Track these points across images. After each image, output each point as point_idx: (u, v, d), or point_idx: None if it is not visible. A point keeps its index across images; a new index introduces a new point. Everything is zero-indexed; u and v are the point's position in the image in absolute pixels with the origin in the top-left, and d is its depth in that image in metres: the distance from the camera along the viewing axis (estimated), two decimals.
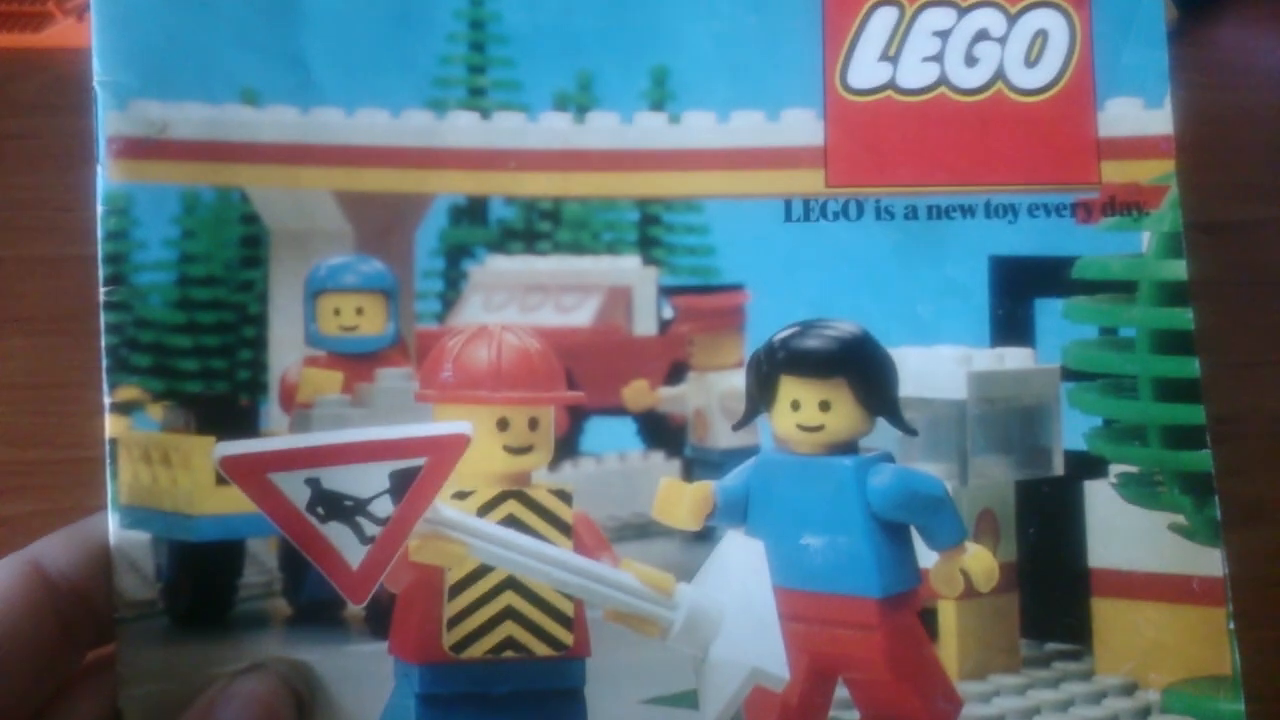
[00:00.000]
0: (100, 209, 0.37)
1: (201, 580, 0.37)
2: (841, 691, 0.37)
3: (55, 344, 0.60)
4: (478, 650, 0.36)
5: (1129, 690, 0.38)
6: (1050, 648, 0.39)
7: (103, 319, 0.37)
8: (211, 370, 0.38)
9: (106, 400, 0.37)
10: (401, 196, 0.39)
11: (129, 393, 0.37)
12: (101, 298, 0.37)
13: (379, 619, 0.37)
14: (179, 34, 0.37)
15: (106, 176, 0.37)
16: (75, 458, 0.55)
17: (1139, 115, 0.41)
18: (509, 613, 0.36)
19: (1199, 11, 0.83)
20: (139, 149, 0.37)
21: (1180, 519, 0.38)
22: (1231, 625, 0.37)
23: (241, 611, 0.37)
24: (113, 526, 0.36)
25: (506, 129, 0.39)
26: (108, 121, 0.37)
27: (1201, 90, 0.77)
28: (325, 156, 0.38)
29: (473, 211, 0.39)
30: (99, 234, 0.37)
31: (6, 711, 0.32)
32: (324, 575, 0.34)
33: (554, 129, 0.39)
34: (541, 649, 0.36)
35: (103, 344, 0.37)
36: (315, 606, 0.37)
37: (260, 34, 0.37)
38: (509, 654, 0.36)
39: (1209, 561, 0.37)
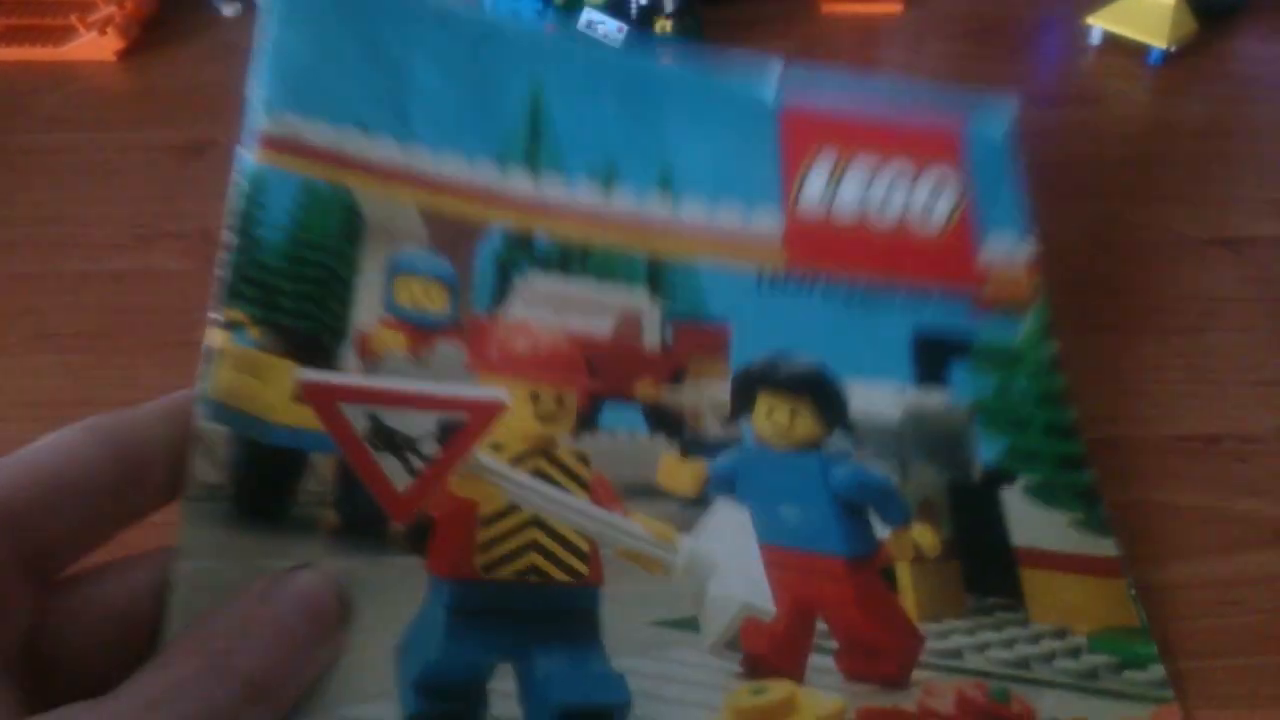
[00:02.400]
0: (240, 180, 0.45)
1: (268, 477, 0.40)
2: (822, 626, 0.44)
3: (80, 361, 0.58)
4: (505, 572, 0.41)
5: (1061, 634, 0.44)
6: (991, 601, 0.45)
7: (224, 256, 0.44)
8: (304, 312, 0.44)
9: (215, 316, 0.42)
10: (468, 220, 0.49)
11: (234, 314, 0.42)
12: (225, 236, 0.44)
13: (417, 538, 0.41)
14: (317, 71, 0.48)
15: (250, 159, 0.46)
16: None
17: (1010, 246, 0.54)
18: (534, 545, 0.42)
19: (1217, 24, 0.85)
20: (276, 144, 0.46)
21: (1078, 515, 0.48)
22: (1133, 592, 0.46)
23: (296, 514, 0.40)
24: (200, 418, 0.39)
25: (551, 186, 0.50)
26: (254, 120, 0.46)
27: (1220, 103, 0.79)
28: (415, 181, 0.48)
29: (521, 240, 0.50)
30: (233, 197, 0.45)
31: (58, 539, 0.34)
32: (373, 495, 0.39)
33: (587, 194, 0.51)
34: (561, 576, 0.42)
35: (220, 275, 0.43)
36: (361, 520, 0.40)
37: (376, 86, 0.49)
38: (532, 578, 0.41)
39: (1104, 547, 0.47)
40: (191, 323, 0.57)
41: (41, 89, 0.80)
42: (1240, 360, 0.59)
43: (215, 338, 0.42)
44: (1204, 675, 0.45)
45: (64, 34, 0.83)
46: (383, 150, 0.47)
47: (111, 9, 0.83)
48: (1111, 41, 0.83)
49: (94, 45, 0.82)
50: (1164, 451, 0.54)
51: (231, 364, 0.41)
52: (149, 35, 0.85)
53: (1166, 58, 0.82)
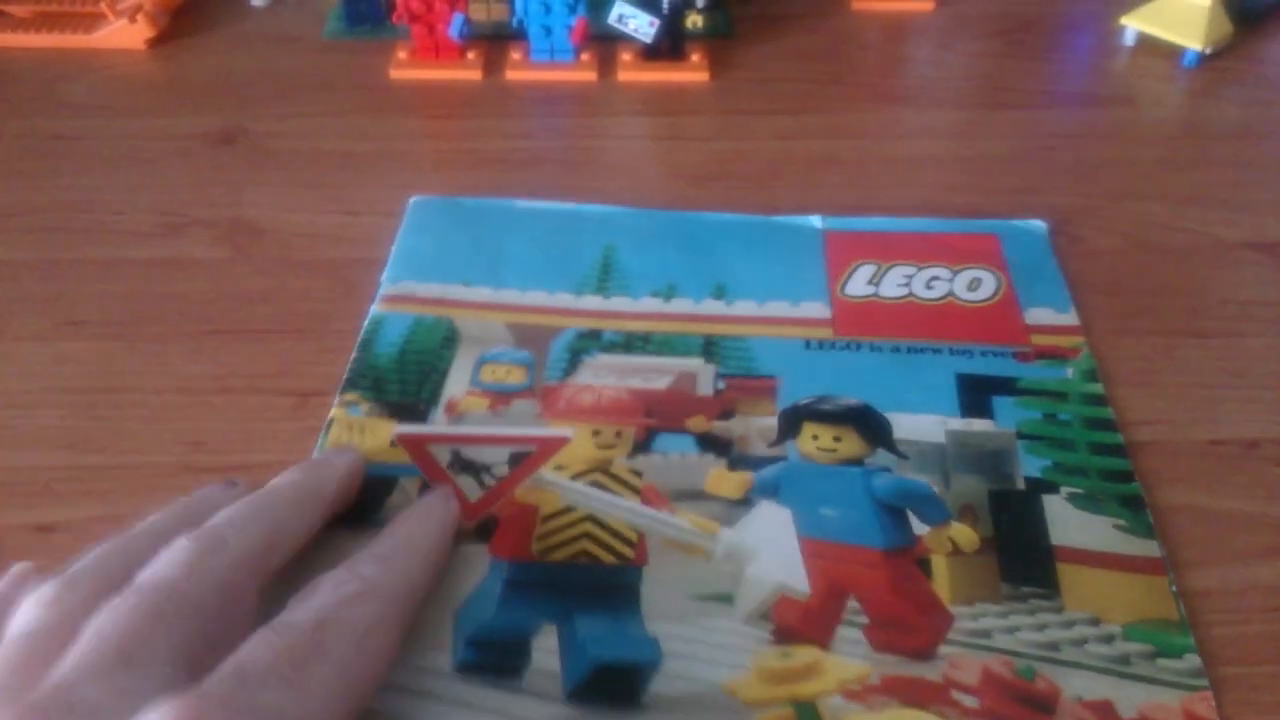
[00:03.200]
0: (364, 323, 0.58)
1: (362, 495, 0.49)
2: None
3: (109, 349, 0.58)
4: (558, 556, 0.46)
5: (1095, 622, 0.44)
6: (1026, 590, 0.46)
7: (348, 369, 0.56)
8: (405, 392, 0.55)
9: (335, 401, 0.55)
10: (546, 326, 0.58)
11: (349, 397, 0.55)
12: (352, 357, 0.57)
13: (484, 533, 0.47)
14: (432, 256, 0.63)
15: (374, 310, 0.59)
16: (130, 464, 0.52)
17: (1052, 316, 0.58)
18: (586, 535, 0.47)
19: (1254, 27, 0.85)
20: (392, 299, 0.60)
21: (1122, 522, 0.48)
22: (1174, 589, 0.46)
23: (382, 518, 0.48)
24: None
25: (619, 302, 0.59)
26: (385, 286, 0.61)
27: (1255, 106, 0.78)
28: (503, 308, 0.60)
29: (591, 334, 0.57)
30: (360, 337, 0.58)
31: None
32: None
33: (649, 303, 0.59)
34: (608, 559, 0.46)
35: (344, 376, 0.56)
36: None
37: (479, 261, 0.62)
38: (582, 560, 0.46)
39: (1148, 548, 0.47)
40: (219, 311, 0.60)
41: (71, 76, 0.80)
42: (1278, 365, 0.58)
43: (333, 412, 0.54)
44: (1245, 681, 0.44)
45: (94, 21, 0.83)
46: (479, 294, 0.61)
47: None
48: (1145, 42, 0.82)
49: (124, 33, 0.82)
50: (1202, 455, 0.53)
51: (342, 426, 0.53)
52: (179, 24, 0.85)
53: (1201, 60, 0.81)
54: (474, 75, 0.79)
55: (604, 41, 0.81)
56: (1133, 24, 0.83)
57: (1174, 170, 0.71)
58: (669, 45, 0.80)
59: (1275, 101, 0.78)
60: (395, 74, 0.79)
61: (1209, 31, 0.80)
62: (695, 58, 0.80)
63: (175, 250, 0.64)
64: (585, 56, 0.80)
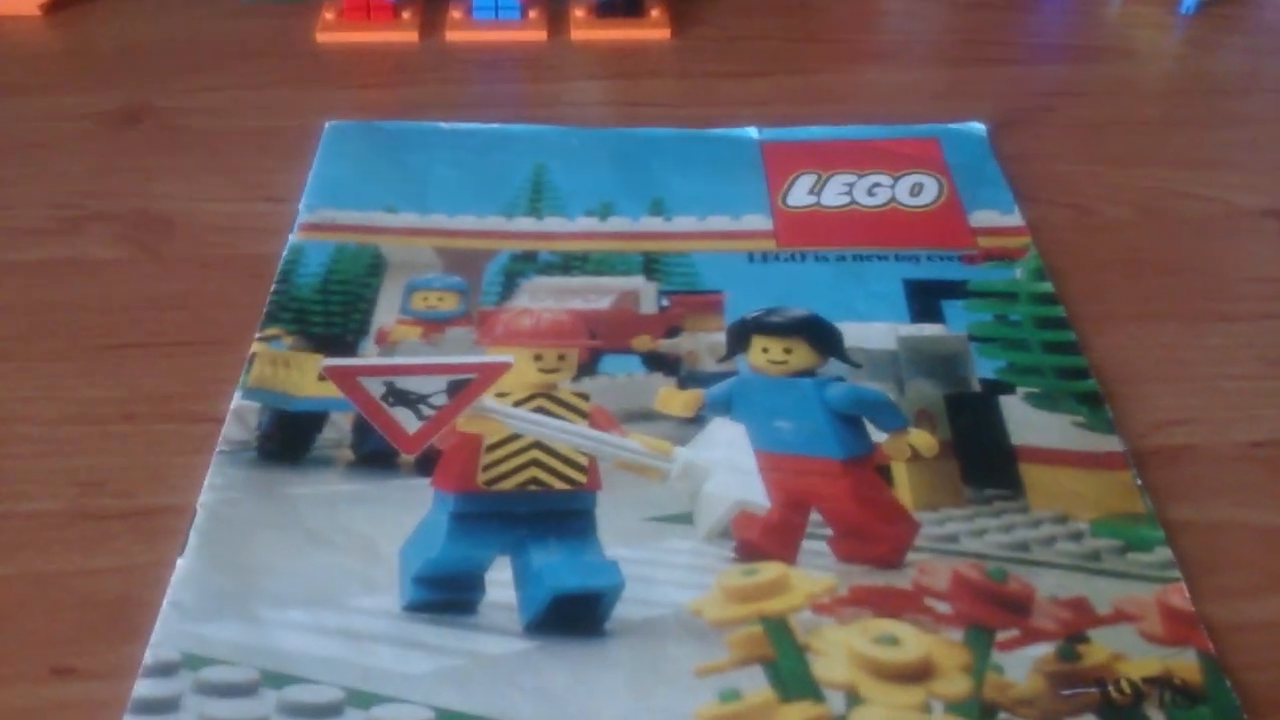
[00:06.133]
0: (282, 253, 0.56)
1: (288, 434, 0.48)
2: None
3: None
4: (506, 485, 0.44)
5: (1062, 520, 0.44)
6: (989, 493, 0.45)
7: (268, 300, 0.53)
8: (330, 323, 0.53)
9: (256, 335, 0.52)
10: (478, 250, 0.56)
11: (271, 331, 0.52)
12: (271, 289, 0.54)
13: (425, 465, 0.46)
14: (350, 182, 0.60)
15: (291, 239, 0.57)
16: (26, 511, 0.44)
17: (997, 218, 0.57)
18: (534, 461, 0.45)
19: None
20: (310, 228, 0.58)
21: (1080, 418, 0.47)
22: (1138, 483, 0.45)
23: (313, 457, 0.48)
24: (235, 399, 0.49)
25: (553, 223, 0.58)
26: (298, 218, 0.58)
27: (1261, 55, 0.74)
28: (430, 233, 0.58)
29: (526, 256, 0.56)
30: (279, 264, 0.55)
31: None
32: (385, 437, 0.46)
33: (585, 223, 0.58)
34: (559, 485, 0.45)
35: (264, 310, 0.53)
36: (373, 456, 0.47)
37: (402, 185, 0.60)
38: (532, 488, 0.44)
39: (1109, 443, 0.46)
40: (123, 322, 0.53)
41: None
42: None
43: (254, 348, 0.52)
44: None
45: None
46: (405, 220, 0.59)
47: None
48: None
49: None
50: (1238, 460, 0.48)
51: (265, 361, 0.51)
52: None
53: (1200, 6, 0.77)
54: (410, 37, 0.75)
55: None
56: None
57: (1181, 130, 0.68)
58: (626, 0, 0.76)
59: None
60: (322, 37, 0.74)
61: None
62: (655, 13, 0.76)
63: (71, 250, 0.57)
64: (533, 14, 0.76)
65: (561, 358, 0.49)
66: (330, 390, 0.48)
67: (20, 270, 0.56)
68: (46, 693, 0.39)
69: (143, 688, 0.38)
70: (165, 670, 0.38)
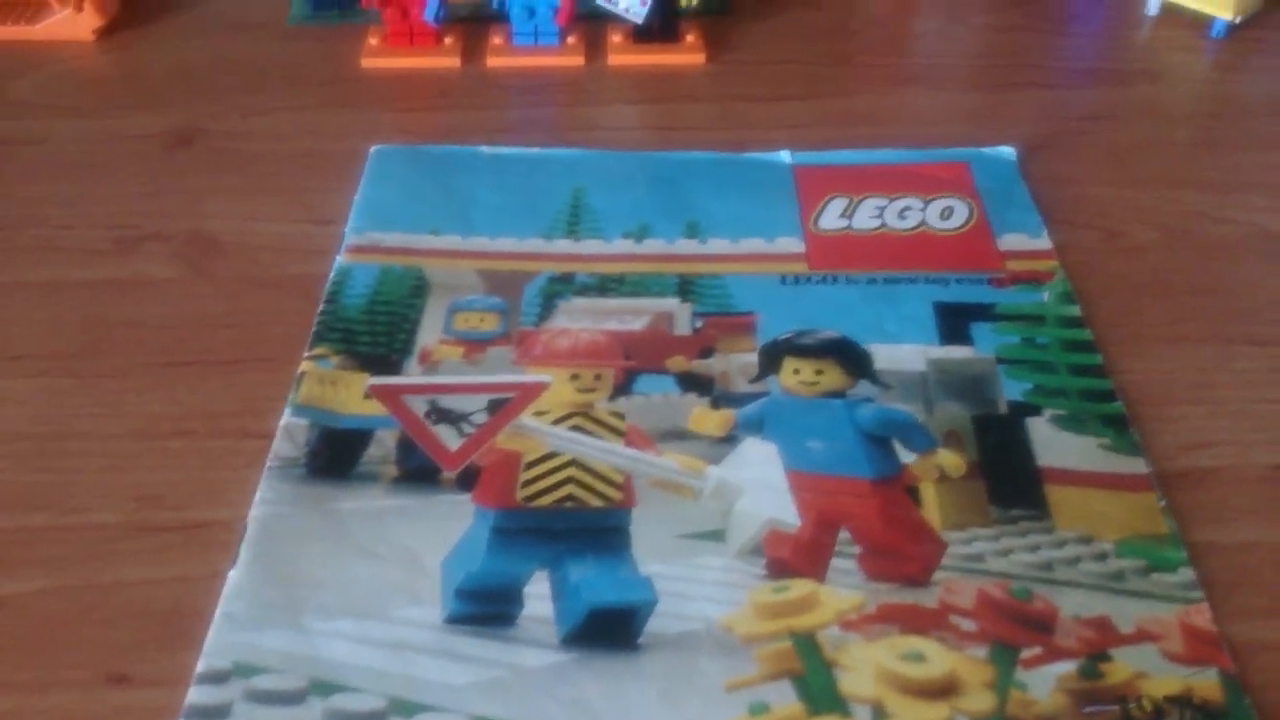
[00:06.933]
0: (330, 275, 0.57)
1: (336, 450, 0.50)
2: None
3: (57, 387, 0.52)
4: (544, 501, 0.46)
5: (1086, 540, 0.45)
6: (1015, 513, 0.46)
7: (316, 320, 0.55)
8: (376, 343, 0.55)
9: (305, 355, 0.53)
10: (518, 272, 0.58)
11: (319, 351, 0.54)
12: (319, 310, 0.56)
13: (466, 481, 0.48)
14: (397, 205, 0.62)
15: (339, 261, 0.59)
16: (86, 524, 0.46)
17: (1026, 241, 0.58)
18: (571, 479, 0.46)
19: None
20: (357, 250, 0.60)
21: (1106, 441, 0.48)
22: (1163, 504, 0.46)
23: (360, 472, 0.49)
24: (285, 416, 0.51)
25: (590, 245, 0.59)
26: (349, 236, 0.60)
27: None
28: (472, 255, 0.60)
29: (563, 278, 0.58)
30: (326, 285, 0.57)
31: None
32: (428, 454, 0.48)
33: (621, 245, 0.59)
34: (595, 502, 0.46)
35: (312, 330, 0.54)
36: (417, 472, 0.49)
37: (446, 208, 0.62)
38: (569, 505, 0.46)
39: (1134, 465, 0.47)
40: (180, 339, 0.54)
41: (13, 73, 0.74)
42: None
43: (303, 366, 0.53)
44: None
45: (37, 11, 0.77)
46: (448, 242, 0.61)
47: None
48: (1170, 11, 0.79)
49: (70, 23, 0.77)
50: (1262, 483, 0.48)
51: (313, 380, 0.53)
52: (129, 10, 0.80)
53: (1231, 30, 0.77)
54: (452, 62, 0.76)
55: (592, 22, 0.77)
56: None
57: (1210, 153, 0.68)
58: (661, 25, 0.76)
59: None
60: (367, 63, 0.75)
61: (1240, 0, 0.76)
62: (690, 38, 0.77)
63: (127, 269, 0.59)
64: (572, 39, 0.77)
65: (598, 378, 0.50)
66: (376, 408, 0.50)
67: (80, 289, 0.58)
68: (103, 699, 0.41)
69: (196, 695, 0.40)
70: (217, 678, 0.40)
